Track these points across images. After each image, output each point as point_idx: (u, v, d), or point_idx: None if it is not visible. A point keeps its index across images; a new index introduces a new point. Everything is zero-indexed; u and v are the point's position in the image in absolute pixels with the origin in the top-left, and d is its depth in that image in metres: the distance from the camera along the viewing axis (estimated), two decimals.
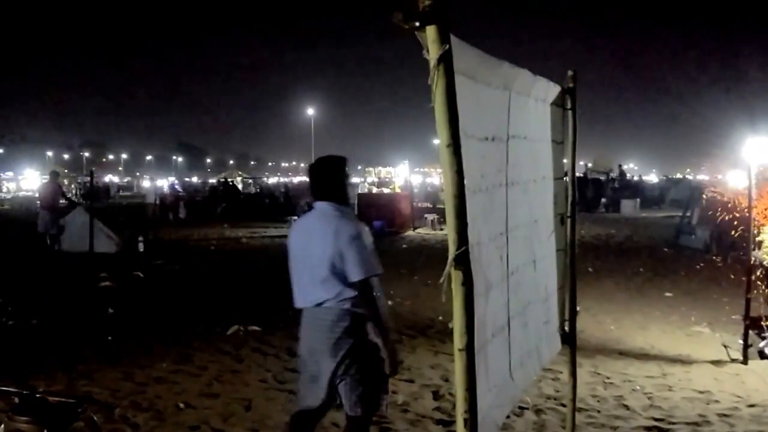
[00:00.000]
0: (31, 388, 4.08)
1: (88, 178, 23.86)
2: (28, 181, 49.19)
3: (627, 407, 4.93)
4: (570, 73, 3.64)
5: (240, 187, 40.29)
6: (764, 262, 6.39)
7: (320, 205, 3.32)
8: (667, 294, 9.52)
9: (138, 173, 77.15)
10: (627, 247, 15.86)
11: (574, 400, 3.91)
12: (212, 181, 51.55)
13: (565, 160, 3.77)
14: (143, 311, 8.29)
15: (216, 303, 8.77)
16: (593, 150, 43.96)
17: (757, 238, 6.50)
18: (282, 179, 61.92)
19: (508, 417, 4.02)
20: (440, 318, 7.53)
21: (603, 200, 30.19)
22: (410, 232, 19.09)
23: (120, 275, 10.74)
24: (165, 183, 29.87)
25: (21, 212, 29.02)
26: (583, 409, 4.80)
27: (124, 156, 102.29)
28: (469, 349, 1.99)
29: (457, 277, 1.97)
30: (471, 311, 1.99)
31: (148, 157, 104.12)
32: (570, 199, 3.73)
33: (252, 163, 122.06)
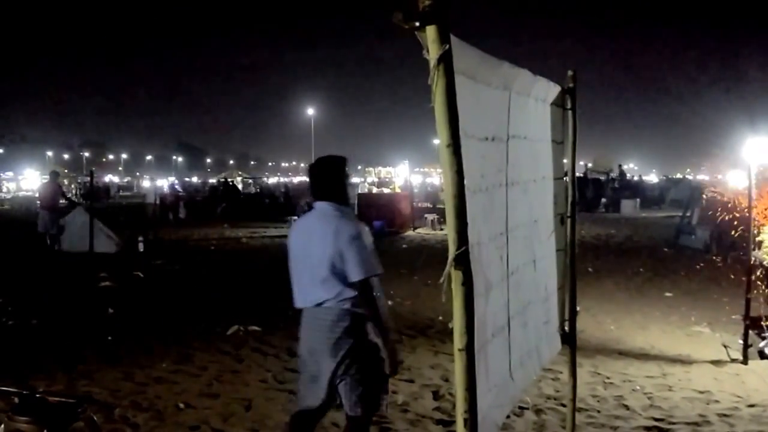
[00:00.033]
0: (31, 388, 4.08)
1: (88, 178, 23.84)
2: (28, 181, 49.14)
3: (627, 407, 4.93)
4: (570, 73, 3.64)
5: (240, 187, 40.29)
6: (764, 262, 6.39)
7: (320, 205, 3.32)
8: (667, 294, 9.52)
9: (138, 173, 77.11)
10: (627, 247, 15.86)
11: (574, 400, 3.91)
12: (212, 181, 51.55)
13: (565, 160, 3.77)
14: (143, 311, 8.29)
15: (216, 303, 8.76)
16: (593, 150, 44.04)
17: (757, 238, 6.50)
18: (282, 179, 61.88)
19: (508, 417, 4.03)
20: (440, 318, 7.53)
21: (603, 200, 30.19)
22: (410, 232, 19.09)
23: (120, 275, 10.74)
24: (165, 183, 29.86)
25: (21, 212, 29.03)
26: (583, 409, 4.80)
27: (124, 156, 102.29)
28: (469, 349, 1.99)
29: (457, 277, 1.97)
30: (471, 311, 1.99)
31: (148, 157, 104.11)
32: (570, 199, 3.73)
33: (252, 163, 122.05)
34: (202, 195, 34.82)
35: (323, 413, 3.40)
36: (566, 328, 3.74)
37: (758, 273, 6.40)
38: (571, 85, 3.63)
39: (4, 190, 47.20)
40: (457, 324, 1.99)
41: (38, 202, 14.79)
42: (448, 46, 1.87)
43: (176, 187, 29.39)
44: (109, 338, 6.83)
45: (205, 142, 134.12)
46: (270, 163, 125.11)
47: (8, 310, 7.90)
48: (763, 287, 6.42)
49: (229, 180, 42.21)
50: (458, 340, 1.99)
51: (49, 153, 78.23)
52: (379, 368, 3.26)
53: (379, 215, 18.53)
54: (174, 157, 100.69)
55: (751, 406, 4.94)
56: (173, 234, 18.57)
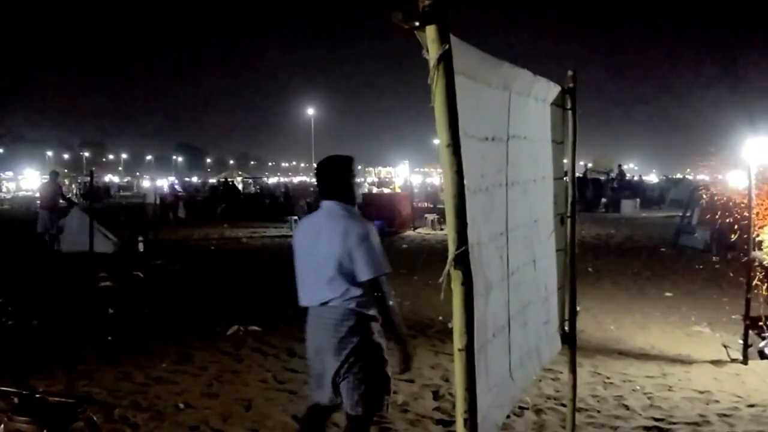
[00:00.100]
0: (31, 388, 4.09)
1: (88, 178, 23.85)
2: (28, 181, 49.11)
3: (627, 407, 4.93)
4: (570, 73, 3.64)
5: (240, 187, 40.32)
6: (764, 262, 6.39)
7: (327, 204, 3.32)
8: (667, 294, 9.51)
9: (138, 173, 76.99)
10: (627, 247, 15.86)
11: (574, 400, 3.91)
12: (212, 181, 51.56)
13: (565, 160, 3.77)
14: (143, 311, 8.29)
15: (216, 303, 8.76)
16: (593, 150, 44.01)
17: (757, 238, 6.50)
18: (282, 179, 61.86)
19: (508, 417, 4.03)
20: (440, 318, 7.53)
21: (603, 200, 30.17)
22: (410, 232, 19.10)
23: (120, 275, 10.74)
24: (165, 183, 29.86)
25: (21, 212, 29.04)
26: (583, 409, 4.81)
27: (124, 156, 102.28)
28: (469, 349, 1.99)
29: (456, 277, 1.96)
30: (471, 311, 1.99)
31: (148, 157, 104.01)
32: (570, 199, 3.72)
33: (252, 163, 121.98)
34: (202, 195, 34.84)
35: (332, 410, 3.41)
36: (566, 328, 3.74)
37: (758, 273, 6.40)
38: (571, 85, 3.63)
39: (4, 189, 47.19)
40: (457, 324, 1.99)
41: (38, 202, 14.79)
42: (447, 46, 1.87)
43: (176, 186, 29.38)
44: (109, 338, 6.83)
45: (205, 142, 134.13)
46: (270, 163, 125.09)
47: (8, 310, 7.90)
48: (764, 287, 6.42)
49: (229, 180, 42.23)
50: (458, 340, 1.99)
51: (49, 153, 78.22)
52: (382, 368, 3.26)
53: (379, 215, 18.49)
54: (174, 157, 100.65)
55: (751, 406, 4.94)
56: (173, 234, 18.57)
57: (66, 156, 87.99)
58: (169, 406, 4.91)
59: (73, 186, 44.41)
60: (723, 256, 11.13)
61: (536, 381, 5.06)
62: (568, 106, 3.65)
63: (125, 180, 71.86)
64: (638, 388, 5.36)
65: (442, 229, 18.48)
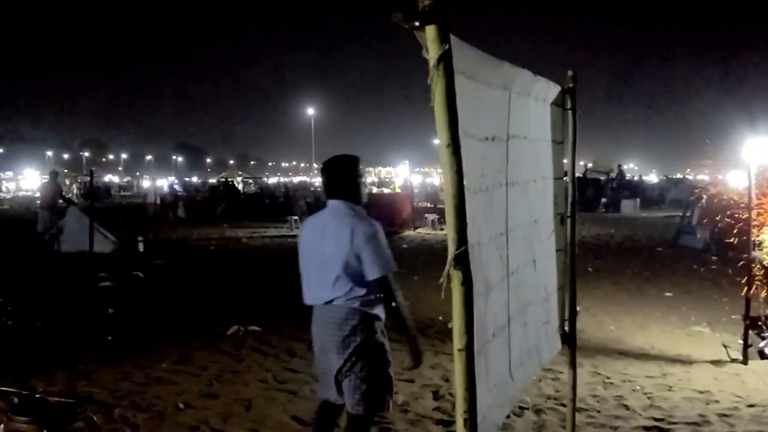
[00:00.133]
0: (31, 388, 4.09)
1: (88, 178, 23.85)
2: (28, 180, 49.13)
3: (627, 407, 4.93)
4: (570, 73, 3.64)
5: (240, 187, 40.34)
6: (764, 262, 6.39)
7: (333, 204, 3.33)
8: (667, 294, 9.52)
9: (138, 173, 76.96)
10: (627, 247, 15.86)
11: (574, 400, 3.91)
12: (212, 181, 51.57)
13: (565, 160, 3.77)
14: (143, 311, 8.29)
15: (216, 303, 8.76)
16: (593, 150, 44.07)
17: (757, 238, 6.50)
18: (282, 179, 61.87)
19: (508, 417, 4.03)
20: (440, 318, 7.52)
21: (603, 200, 30.19)
22: (410, 232, 19.10)
23: (120, 275, 10.74)
24: (165, 183, 29.90)
25: (21, 212, 29.03)
26: (583, 409, 4.80)
27: (124, 156, 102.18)
28: (469, 349, 1.99)
29: (456, 276, 1.96)
30: (470, 311, 1.99)
31: (148, 157, 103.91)
32: (570, 199, 3.72)
33: (252, 163, 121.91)
34: (202, 195, 34.85)
35: (342, 407, 3.39)
36: (566, 328, 3.74)
37: (758, 273, 6.39)
38: (571, 85, 3.63)
39: (4, 189, 47.20)
40: (457, 324, 1.99)
41: (38, 202, 14.79)
42: (447, 46, 1.87)
43: (176, 187, 29.43)
44: (109, 338, 6.83)
45: (205, 142, 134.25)
46: (270, 163, 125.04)
47: (8, 310, 7.90)
48: (763, 287, 6.42)
49: (229, 180, 42.26)
50: (458, 340, 1.99)
51: (49, 153, 78.12)
52: (384, 368, 3.27)
53: (379, 215, 18.45)
54: (174, 157, 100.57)
55: (751, 406, 4.94)
56: (173, 234, 18.58)
57: (66, 156, 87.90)
58: (169, 406, 4.90)
59: (73, 186, 44.43)
60: (723, 256, 11.12)
61: (536, 381, 5.06)
62: (568, 106, 3.65)
63: (125, 180, 71.88)
64: (638, 388, 5.36)
65: (442, 229, 18.49)
